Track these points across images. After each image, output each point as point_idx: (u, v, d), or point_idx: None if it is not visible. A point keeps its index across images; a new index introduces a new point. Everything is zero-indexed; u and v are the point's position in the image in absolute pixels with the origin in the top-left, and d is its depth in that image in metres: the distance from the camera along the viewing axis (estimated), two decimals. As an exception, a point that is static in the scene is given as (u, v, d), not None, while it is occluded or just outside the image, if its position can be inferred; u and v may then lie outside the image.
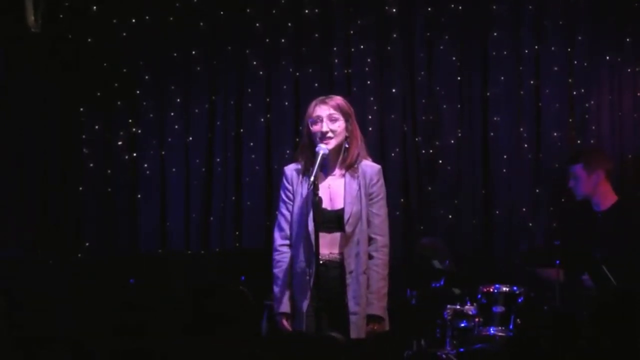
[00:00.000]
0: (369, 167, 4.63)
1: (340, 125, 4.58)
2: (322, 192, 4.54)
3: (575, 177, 5.92)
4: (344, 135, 4.60)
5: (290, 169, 4.67)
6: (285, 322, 4.56)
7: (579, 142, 6.57)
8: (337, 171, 4.63)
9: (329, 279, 4.53)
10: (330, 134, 4.56)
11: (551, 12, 6.65)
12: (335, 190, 4.60)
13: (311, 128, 4.60)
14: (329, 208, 4.56)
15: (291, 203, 4.60)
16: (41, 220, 6.65)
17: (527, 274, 6.01)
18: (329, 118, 4.57)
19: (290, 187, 4.63)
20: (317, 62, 6.74)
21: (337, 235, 4.54)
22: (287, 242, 4.61)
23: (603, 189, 5.91)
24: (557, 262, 5.59)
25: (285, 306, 4.56)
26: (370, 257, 4.55)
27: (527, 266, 6.02)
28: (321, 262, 4.50)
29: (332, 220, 4.54)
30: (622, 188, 6.16)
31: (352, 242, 4.53)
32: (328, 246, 4.54)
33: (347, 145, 4.61)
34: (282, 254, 4.62)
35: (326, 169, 4.61)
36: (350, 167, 4.60)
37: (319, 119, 4.58)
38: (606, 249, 5.65)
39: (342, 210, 4.54)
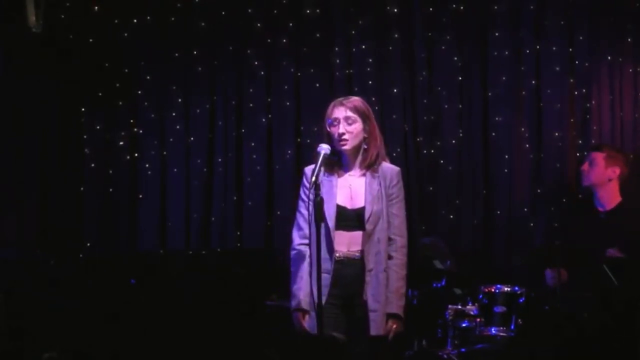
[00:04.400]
0: (389, 168, 4.71)
1: (356, 127, 4.64)
2: (343, 191, 4.63)
3: (592, 163, 5.94)
4: (361, 136, 4.66)
5: (310, 169, 4.69)
6: (301, 319, 4.58)
7: (580, 142, 6.58)
8: (358, 171, 4.69)
9: (345, 276, 4.58)
10: (346, 136, 4.62)
11: (551, 11, 6.65)
12: (356, 189, 4.66)
13: (329, 130, 4.66)
14: (349, 207, 4.63)
15: (310, 202, 4.61)
16: (41, 220, 6.64)
17: (530, 274, 6.00)
18: (345, 120, 4.63)
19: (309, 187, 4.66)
20: (317, 62, 6.74)
21: (358, 233, 4.59)
22: (306, 240, 4.63)
23: (612, 187, 5.92)
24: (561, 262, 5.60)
25: (302, 302, 4.58)
26: (389, 257, 4.60)
27: (531, 266, 6.02)
28: (338, 259, 4.56)
29: (352, 219, 4.60)
30: (622, 188, 6.15)
31: (373, 240, 4.58)
32: (346, 244, 4.60)
33: (365, 146, 4.67)
34: (300, 253, 4.65)
35: (347, 169, 4.69)
36: (370, 167, 4.66)
37: (336, 121, 4.64)
38: (608, 248, 5.65)
39: (362, 209, 4.60)
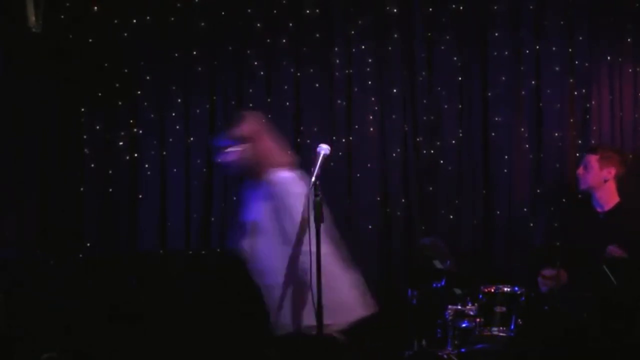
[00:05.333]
0: (276, 177, 4.61)
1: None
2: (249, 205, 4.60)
3: (586, 166, 5.94)
4: (245, 157, 4.67)
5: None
6: None
7: (579, 142, 6.58)
8: (252, 184, 4.70)
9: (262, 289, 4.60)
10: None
11: (551, 11, 6.66)
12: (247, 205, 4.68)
13: None
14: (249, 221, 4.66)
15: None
16: (41, 220, 6.64)
17: (529, 274, 6.01)
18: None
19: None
20: (317, 62, 6.74)
21: (256, 248, 4.58)
22: None
23: (609, 188, 5.93)
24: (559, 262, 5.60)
25: None
26: (292, 268, 4.48)
27: (531, 266, 6.03)
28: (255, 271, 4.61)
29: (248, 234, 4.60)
30: (622, 188, 6.15)
31: (265, 255, 4.56)
32: (253, 258, 4.62)
33: (253, 161, 4.69)
34: None
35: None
36: (259, 180, 4.64)
37: None
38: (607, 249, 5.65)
39: (249, 224, 4.60)
